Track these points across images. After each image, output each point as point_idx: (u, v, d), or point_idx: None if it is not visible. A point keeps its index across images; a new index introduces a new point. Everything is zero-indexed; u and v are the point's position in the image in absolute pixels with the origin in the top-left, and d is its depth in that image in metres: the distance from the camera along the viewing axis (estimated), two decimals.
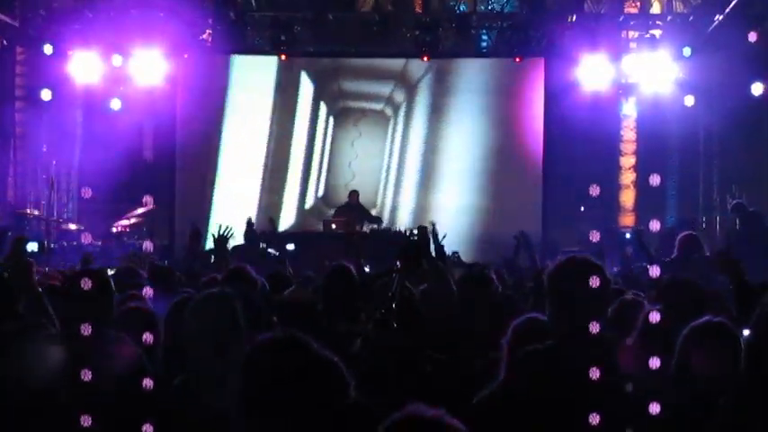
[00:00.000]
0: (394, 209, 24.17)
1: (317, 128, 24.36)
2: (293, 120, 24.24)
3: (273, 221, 21.70)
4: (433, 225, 10.23)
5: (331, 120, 24.35)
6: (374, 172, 24.19)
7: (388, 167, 24.27)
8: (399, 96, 24.32)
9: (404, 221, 23.46)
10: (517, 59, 23.07)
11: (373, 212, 23.08)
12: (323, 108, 24.35)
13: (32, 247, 17.03)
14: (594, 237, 5.05)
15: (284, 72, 24.11)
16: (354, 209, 21.52)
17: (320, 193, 24.14)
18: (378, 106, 24.35)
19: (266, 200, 23.92)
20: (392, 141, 24.37)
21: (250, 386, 3.70)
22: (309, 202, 24.09)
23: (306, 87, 24.28)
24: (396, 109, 24.34)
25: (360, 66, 24.34)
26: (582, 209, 21.66)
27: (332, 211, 22.26)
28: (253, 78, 24.12)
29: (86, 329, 5.14)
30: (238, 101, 23.99)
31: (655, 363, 4.40)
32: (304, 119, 24.33)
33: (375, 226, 21.40)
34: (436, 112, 24.12)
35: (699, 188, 23.24)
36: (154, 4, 21.95)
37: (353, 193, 21.96)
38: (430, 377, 5.77)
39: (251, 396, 3.69)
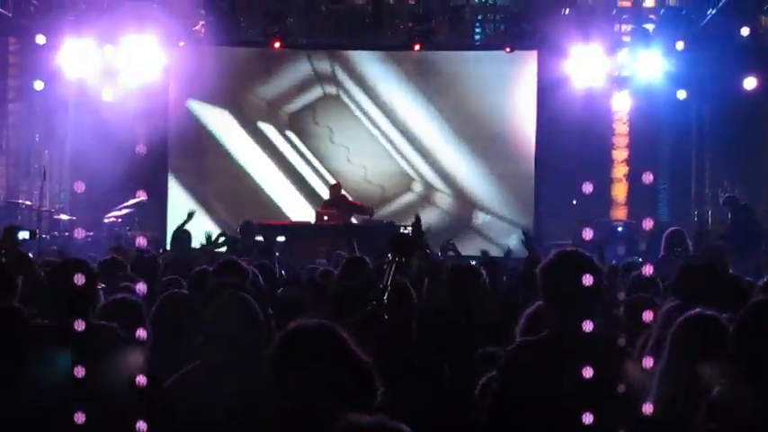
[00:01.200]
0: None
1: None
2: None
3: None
4: (418, 219, 10.22)
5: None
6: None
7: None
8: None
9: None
10: (507, 49, 23.01)
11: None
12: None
13: (24, 235, 16.97)
14: (587, 234, 5.02)
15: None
16: (339, 202, 21.25)
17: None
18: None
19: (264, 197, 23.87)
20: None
21: (284, 371, 3.69)
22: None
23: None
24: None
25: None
26: (574, 202, 21.65)
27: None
28: None
29: (79, 324, 5.15)
30: (230, 93, 24.01)
31: (648, 362, 4.40)
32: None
33: (366, 216, 21.17)
34: (422, 105, 24.03)
35: (691, 182, 23.25)
36: None
37: (335, 187, 21.60)
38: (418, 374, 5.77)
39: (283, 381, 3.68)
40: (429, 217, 22.28)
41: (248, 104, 24.02)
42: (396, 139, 23.98)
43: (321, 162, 23.99)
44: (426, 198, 23.81)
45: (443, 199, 23.77)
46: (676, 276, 6.58)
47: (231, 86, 23.96)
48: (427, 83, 23.90)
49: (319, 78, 24.06)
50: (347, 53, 24.02)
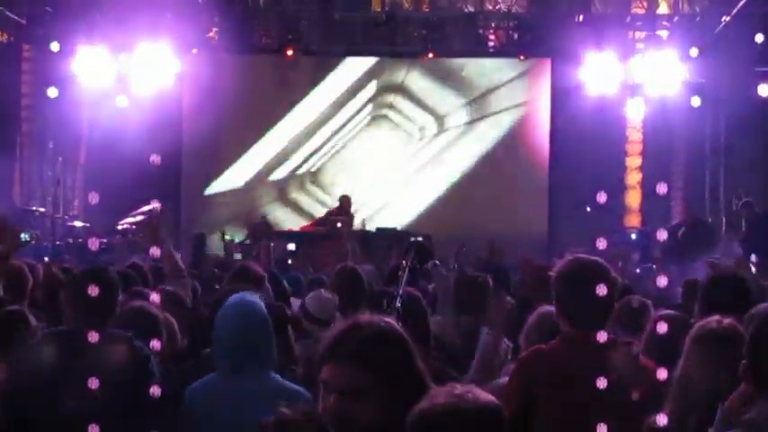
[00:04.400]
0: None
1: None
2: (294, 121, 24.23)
3: (266, 219, 21.13)
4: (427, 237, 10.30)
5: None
6: (381, 171, 24.11)
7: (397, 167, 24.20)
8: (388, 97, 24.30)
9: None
10: (521, 57, 23.04)
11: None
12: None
13: (25, 236, 16.87)
14: (601, 244, 5.00)
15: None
16: (346, 215, 21.29)
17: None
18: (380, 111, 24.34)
19: (277, 203, 23.88)
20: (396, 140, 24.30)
21: None
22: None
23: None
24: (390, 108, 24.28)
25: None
26: (588, 209, 21.61)
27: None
28: (255, 77, 24.12)
29: (93, 336, 5.15)
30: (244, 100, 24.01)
31: (662, 374, 4.38)
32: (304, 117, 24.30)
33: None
34: (436, 112, 24.05)
35: (705, 189, 23.17)
36: (160, 2, 21.94)
37: (345, 198, 21.78)
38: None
39: None
40: (439, 226, 22.32)
41: (263, 111, 24.03)
42: (409, 146, 24.04)
43: (336, 169, 24.03)
44: (437, 207, 23.81)
45: (455, 207, 23.73)
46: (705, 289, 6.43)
47: (245, 93, 23.98)
48: (440, 90, 23.91)
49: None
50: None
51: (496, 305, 5.79)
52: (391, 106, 24.04)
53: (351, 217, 21.21)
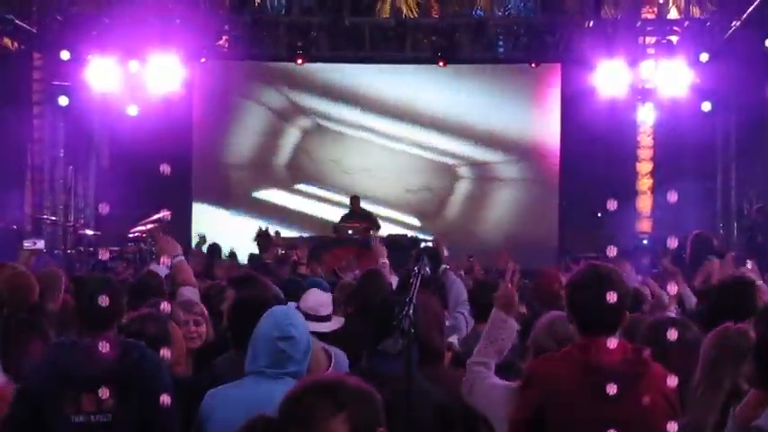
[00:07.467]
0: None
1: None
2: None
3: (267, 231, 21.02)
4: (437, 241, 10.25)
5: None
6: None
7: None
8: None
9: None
10: (533, 65, 23.02)
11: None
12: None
13: (28, 245, 16.79)
14: (611, 252, 5.01)
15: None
16: (360, 214, 21.37)
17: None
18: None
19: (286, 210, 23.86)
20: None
21: None
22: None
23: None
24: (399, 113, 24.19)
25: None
26: (599, 215, 21.59)
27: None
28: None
29: (104, 346, 5.14)
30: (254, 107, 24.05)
31: (673, 381, 4.37)
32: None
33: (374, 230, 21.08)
34: (445, 118, 23.98)
35: (716, 194, 23.12)
36: (170, 11, 21.97)
37: (354, 200, 21.83)
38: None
39: None
40: (450, 232, 22.30)
41: (271, 117, 24.03)
42: (419, 154, 23.97)
43: (346, 173, 24.02)
44: (448, 213, 23.78)
45: (467, 213, 23.74)
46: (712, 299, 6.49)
47: (254, 99, 24.00)
48: (450, 97, 23.87)
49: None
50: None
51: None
52: (400, 112, 23.98)
53: (366, 216, 21.18)
